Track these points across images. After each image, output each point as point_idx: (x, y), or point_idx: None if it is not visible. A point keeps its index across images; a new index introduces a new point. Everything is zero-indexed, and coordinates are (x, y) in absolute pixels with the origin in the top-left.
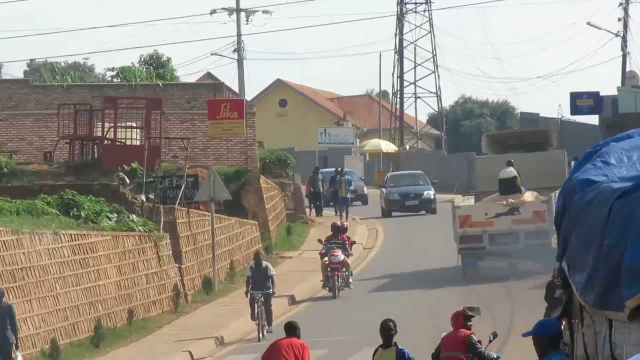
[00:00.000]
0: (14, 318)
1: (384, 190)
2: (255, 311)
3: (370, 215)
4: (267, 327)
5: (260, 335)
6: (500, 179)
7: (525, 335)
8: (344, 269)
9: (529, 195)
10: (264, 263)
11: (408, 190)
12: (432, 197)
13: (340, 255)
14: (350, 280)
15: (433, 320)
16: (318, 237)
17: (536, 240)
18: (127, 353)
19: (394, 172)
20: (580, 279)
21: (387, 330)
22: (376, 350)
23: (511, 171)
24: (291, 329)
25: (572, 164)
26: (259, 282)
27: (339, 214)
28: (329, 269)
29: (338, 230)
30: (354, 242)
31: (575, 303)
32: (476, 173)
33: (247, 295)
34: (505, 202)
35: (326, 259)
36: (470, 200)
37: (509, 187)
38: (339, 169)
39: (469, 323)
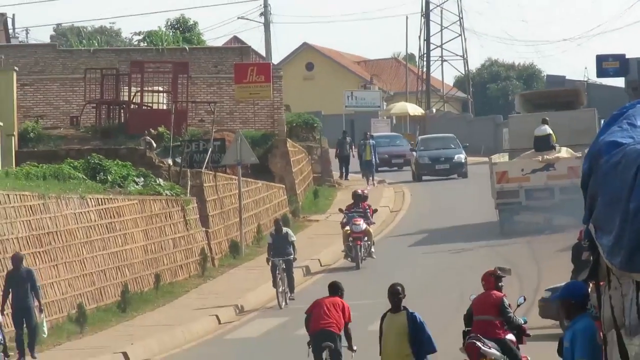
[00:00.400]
0: (35, 282)
1: (414, 153)
2: (277, 278)
3: (400, 180)
4: (289, 294)
5: (283, 303)
6: (536, 136)
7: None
8: (366, 238)
9: (563, 152)
10: (284, 229)
11: (439, 154)
12: (463, 160)
13: (362, 224)
14: (373, 249)
15: (460, 282)
16: (341, 206)
17: (571, 195)
18: (153, 317)
19: (424, 135)
20: (607, 242)
21: (395, 294)
22: (384, 315)
23: (546, 129)
24: (334, 288)
25: (602, 122)
26: (280, 248)
27: (365, 177)
28: (350, 238)
29: (359, 199)
30: (375, 210)
31: (602, 266)
32: (509, 131)
33: (268, 263)
34: (540, 159)
35: (347, 228)
36: (504, 158)
37: (544, 144)
38: (367, 133)
39: (500, 284)
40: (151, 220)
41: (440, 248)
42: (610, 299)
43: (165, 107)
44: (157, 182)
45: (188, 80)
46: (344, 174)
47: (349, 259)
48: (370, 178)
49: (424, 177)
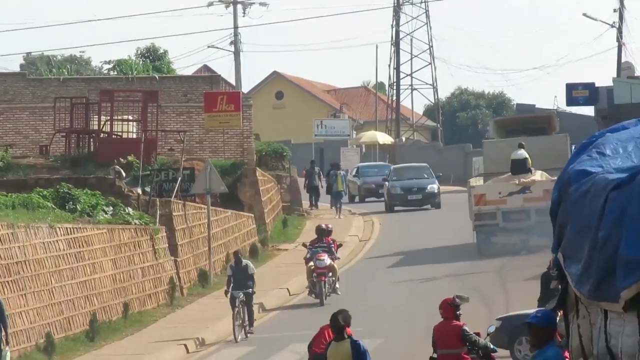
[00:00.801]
0: (3, 312)
1: (386, 183)
2: (235, 312)
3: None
4: (248, 328)
5: (240, 336)
6: (512, 160)
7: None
8: (330, 274)
9: (538, 175)
10: (244, 261)
11: (411, 184)
12: (435, 190)
13: (326, 259)
14: (337, 285)
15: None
16: (309, 235)
17: (547, 217)
18: (122, 347)
19: (394, 164)
20: (576, 270)
21: (336, 322)
22: (329, 343)
23: (522, 153)
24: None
25: (573, 147)
26: (240, 281)
27: (333, 207)
28: (314, 274)
29: (323, 233)
30: (340, 245)
31: (570, 294)
32: (484, 155)
33: (226, 295)
34: (517, 182)
35: (311, 263)
36: (479, 181)
37: (520, 167)
38: (337, 163)
39: (458, 312)
40: (120, 250)
41: (410, 276)
42: (579, 327)
43: (134, 136)
44: (126, 211)
45: (158, 109)
46: (314, 203)
47: (313, 295)
48: (340, 208)
49: (396, 208)
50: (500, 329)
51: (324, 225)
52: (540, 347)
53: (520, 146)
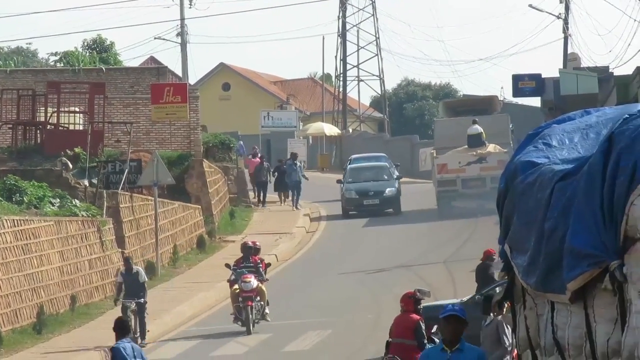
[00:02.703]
0: None
1: (341, 186)
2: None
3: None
4: (140, 340)
5: None
6: (469, 135)
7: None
8: (258, 298)
9: (491, 148)
10: (135, 268)
11: (367, 187)
12: (395, 194)
13: (253, 281)
14: (267, 311)
15: (377, 302)
16: (257, 227)
17: None
18: (69, 339)
19: (353, 164)
20: (522, 262)
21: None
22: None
23: (477, 128)
24: None
25: (511, 126)
26: (131, 289)
27: (284, 199)
28: (240, 298)
29: (249, 252)
30: (268, 265)
31: (517, 286)
32: (435, 132)
33: (116, 304)
34: (475, 153)
35: (236, 286)
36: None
37: (476, 140)
38: (294, 153)
39: (419, 307)
40: (67, 242)
41: (358, 267)
42: (526, 319)
43: (81, 127)
44: (74, 203)
45: (104, 100)
46: (262, 201)
47: (239, 322)
48: (296, 199)
49: (350, 213)
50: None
51: (250, 243)
52: (454, 343)
53: (475, 122)
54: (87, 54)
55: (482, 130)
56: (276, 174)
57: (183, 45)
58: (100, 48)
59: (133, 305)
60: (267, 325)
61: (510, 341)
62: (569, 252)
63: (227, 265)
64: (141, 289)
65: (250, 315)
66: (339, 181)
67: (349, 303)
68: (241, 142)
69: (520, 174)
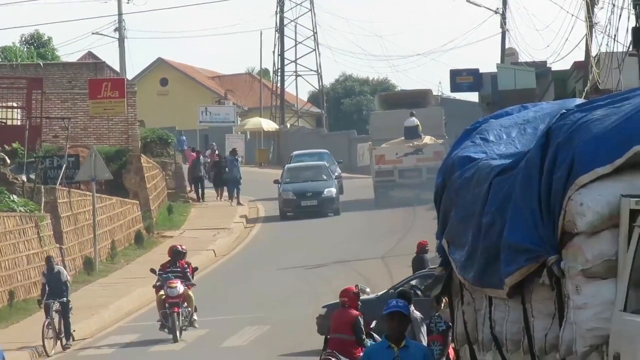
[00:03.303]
0: None
1: (278, 186)
2: (47, 322)
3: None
4: (65, 341)
5: (52, 350)
6: (406, 127)
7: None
8: (185, 304)
9: (427, 139)
10: (57, 267)
11: (305, 188)
12: (334, 195)
13: (179, 286)
14: (195, 317)
15: (317, 296)
16: (196, 222)
17: (435, 174)
18: (7, 335)
19: (291, 164)
20: (460, 257)
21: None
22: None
23: (414, 120)
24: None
25: (444, 119)
26: (54, 289)
27: (221, 194)
28: (166, 304)
29: (177, 256)
30: (195, 269)
31: (455, 280)
32: (371, 124)
33: (40, 305)
34: (411, 144)
35: (162, 292)
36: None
37: (413, 133)
38: (234, 149)
39: (359, 302)
40: (5, 237)
41: (296, 262)
42: (464, 314)
43: (19, 122)
44: (11, 198)
45: (42, 95)
46: (200, 196)
47: (166, 329)
48: (236, 195)
49: (289, 214)
50: (325, 316)
51: (179, 247)
52: (400, 340)
53: (412, 114)
54: (25, 49)
55: (419, 123)
56: (215, 169)
57: (121, 40)
58: (37, 43)
59: (57, 305)
60: (205, 320)
61: (426, 340)
62: (507, 247)
63: (153, 271)
64: (64, 289)
65: (177, 322)
66: (276, 181)
67: (288, 298)
68: (183, 137)
69: (457, 169)
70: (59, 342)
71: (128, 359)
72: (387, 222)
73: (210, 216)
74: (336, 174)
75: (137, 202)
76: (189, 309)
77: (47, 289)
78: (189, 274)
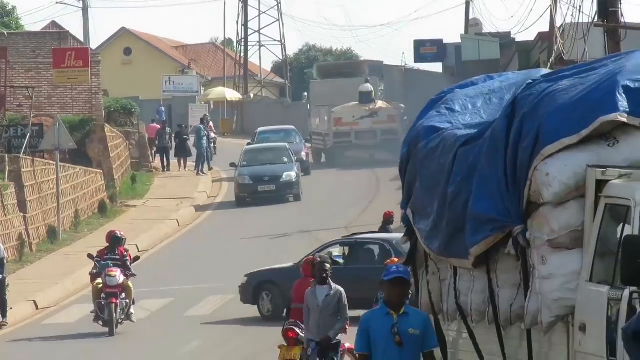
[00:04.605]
0: None
1: (235, 170)
2: None
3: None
4: (1, 319)
5: None
6: (360, 92)
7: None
8: (123, 295)
9: (381, 104)
10: None
11: (262, 172)
12: (293, 179)
13: (119, 275)
14: (132, 311)
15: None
16: (161, 191)
17: (389, 136)
18: None
19: (255, 140)
20: (425, 226)
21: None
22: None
23: (368, 86)
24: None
25: (381, 89)
26: None
27: (184, 164)
28: (102, 295)
29: (117, 242)
30: (137, 258)
31: (419, 250)
32: (311, 92)
33: None
34: (367, 108)
35: (99, 280)
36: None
37: (367, 97)
38: (204, 117)
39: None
40: None
41: (259, 232)
42: (428, 284)
43: None
44: None
45: (6, 65)
46: (165, 165)
47: (100, 322)
48: (206, 165)
49: (247, 200)
50: (246, 285)
51: (118, 233)
52: (400, 307)
53: (367, 81)
54: None
55: (373, 89)
56: (177, 139)
57: (84, 9)
58: (1, 12)
59: None
60: (169, 289)
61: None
62: (472, 217)
63: (90, 256)
64: (0, 266)
65: (115, 315)
66: (232, 164)
67: (251, 268)
68: (162, 108)
69: (422, 139)
70: None
71: (92, 328)
72: (351, 194)
73: (174, 186)
74: (303, 152)
75: (101, 171)
76: (127, 300)
77: None
78: (128, 262)
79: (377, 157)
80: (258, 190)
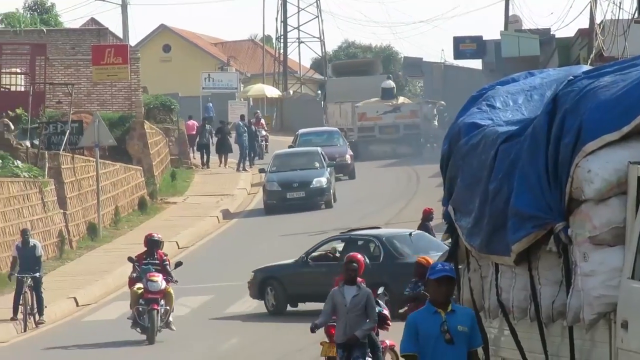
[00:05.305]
0: None
1: (263, 175)
2: (22, 298)
3: None
4: (37, 317)
5: (28, 326)
6: (383, 88)
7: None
8: (162, 302)
9: (402, 99)
10: (32, 241)
11: (291, 178)
12: (324, 185)
13: (160, 281)
14: (171, 319)
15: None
16: (200, 188)
17: (411, 131)
18: (12, 301)
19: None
20: (467, 223)
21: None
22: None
23: (390, 83)
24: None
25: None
26: (27, 263)
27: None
28: (142, 300)
29: (154, 245)
30: (179, 264)
31: (461, 247)
32: (327, 90)
33: (10, 279)
34: (390, 104)
35: (139, 285)
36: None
37: (389, 93)
38: (243, 115)
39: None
40: (9, 203)
41: (299, 229)
42: (470, 281)
43: (23, 89)
44: (15, 164)
45: (46, 62)
46: (205, 162)
47: (138, 329)
48: (247, 161)
49: (274, 208)
50: (252, 280)
51: (155, 235)
52: (447, 305)
53: (389, 78)
54: (28, 16)
55: (394, 85)
56: (219, 135)
57: (124, 6)
58: (41, 9)
59: (29, 281)
60: (209, 286)
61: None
62: (514, 214)
63: (131, 259)
64: (37, 263)
65: (156, 321)
66: (261, 170)
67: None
68: (210, 105)
69: (464, 135)
70: (31, 318)
71: (131, 334)
72: (391, 191)
73: (214, 182)
74: (347, 155)
75: (141, 168)
76: (167, 307)
77: (18, 263)
78: (168, 267)
79: (399, 151)
80: (287, 197)
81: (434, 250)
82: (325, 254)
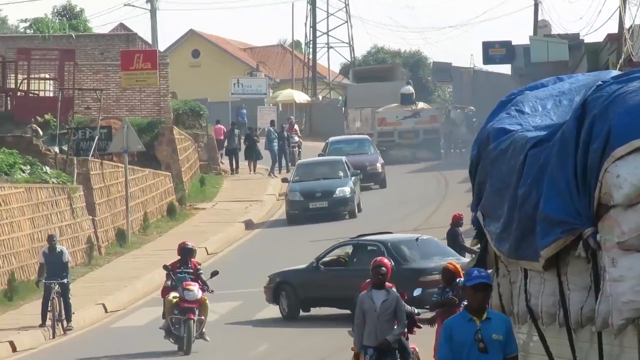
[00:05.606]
0: None
1: (286, 184)
2: (49, 304)
3: None
4: (65, 324)
5: (56, 332)
6: (402, 94)
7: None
8: (197, 312)
9: (422, 104)
10: (59, 247)
11: (313, 187)
12: (348, 194)
13: (197, 290)
14: (205, 329)
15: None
16: (228, 194)
17: (431, 135)
18: (40, 306)
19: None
20: (495, 229)
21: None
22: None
23: (409, 88)
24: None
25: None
26: (54, 269)
27: (254, 167)
28: (176, 311)
29: (188, 254)
30: (215, 273)
31: (490, 252)
32: (347, 95)
33: (37, 286)
34: (410, 109)
35: (175, 294)
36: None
37: (408, 99)
38: (272, 120)
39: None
40: (38, 209)
41: (329, 235)
42: (499, 286)
43: (51, 94)
44: (44, 170)
45: (74, 67)
46: (235, 168)
47: (171, 339)
48: (277, 168)
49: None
50: (267, 285)
51: (188, 244)
52: (482, 312)
53: (408, 83)
54: (57, 21)
55: (414, 91)
56: (247, 142)
57: (152, 11)
58: (70, 15)
59: (57, 287)
60: (238, 292)
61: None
62: (543, 219)
63: (166, 267)
64: (64, 269)
65: (193, 332)
66: (284, 180)
67: None
68: (244, 110)
69: (492, 140)
70: (59, 324)
71: (161, 331)
72: (419, 195)
73: (243, 188)
74: (379, 164)
75: (170, 173)
76: (202, 317)
77: (45, 269)
78: (203, 276)
79: (419, 156)
80: (309, 207)
81: (440, 255)
82: (336, 259)
